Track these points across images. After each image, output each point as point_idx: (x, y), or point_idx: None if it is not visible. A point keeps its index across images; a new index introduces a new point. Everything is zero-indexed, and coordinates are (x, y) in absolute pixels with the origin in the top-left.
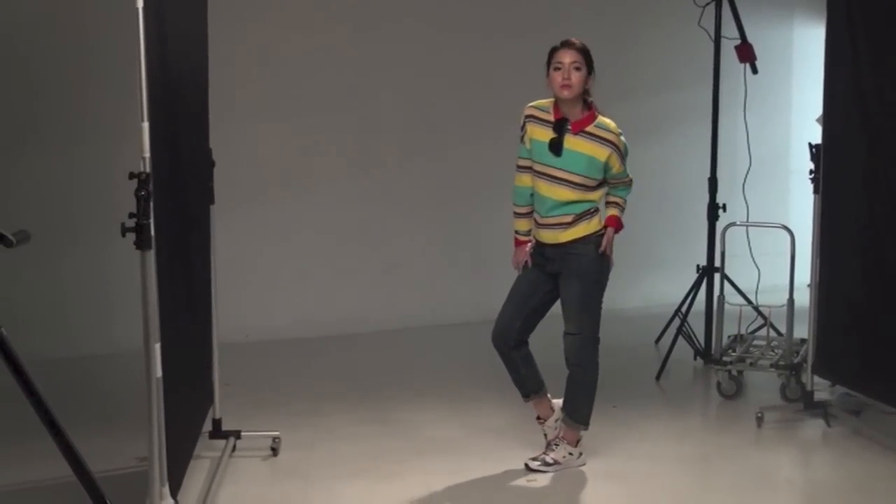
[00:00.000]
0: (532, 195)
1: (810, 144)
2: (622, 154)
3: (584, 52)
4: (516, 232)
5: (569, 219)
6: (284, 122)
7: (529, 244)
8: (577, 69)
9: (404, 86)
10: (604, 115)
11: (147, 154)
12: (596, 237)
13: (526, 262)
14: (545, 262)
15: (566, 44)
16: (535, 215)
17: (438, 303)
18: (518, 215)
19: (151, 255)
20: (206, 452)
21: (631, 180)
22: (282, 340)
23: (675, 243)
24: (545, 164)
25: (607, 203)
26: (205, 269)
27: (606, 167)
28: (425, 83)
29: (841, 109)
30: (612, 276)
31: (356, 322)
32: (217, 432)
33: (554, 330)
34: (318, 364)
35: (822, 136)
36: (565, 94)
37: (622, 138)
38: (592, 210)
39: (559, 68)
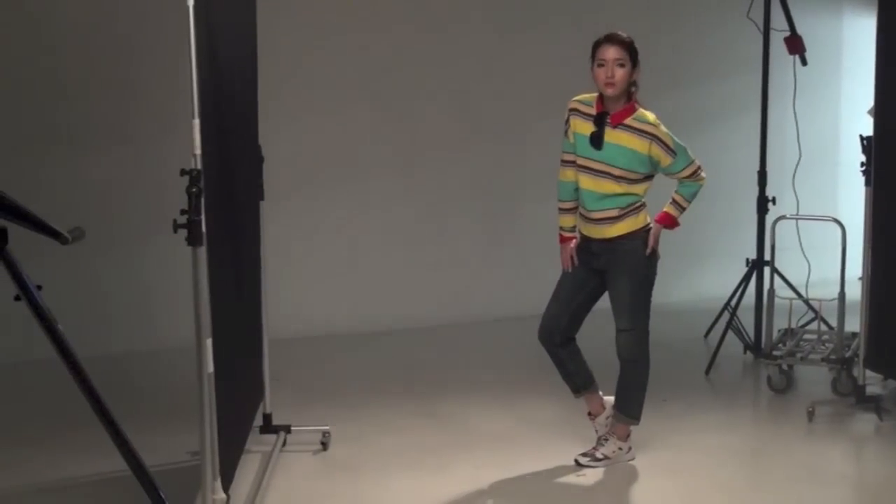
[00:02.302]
0: (576, 190)
1: (861, 137)
2: (667, 146)
3: (629, 47)
4: (561, 228)
5: (615, 213)
6: (332, 118)
7: (574, 241)
8: (622, 66)
9: (451, 81)
10: (644, 108)
11: (198, 151)
12: (643, 233)
13: (572, 258)
14: (591, 258)
15: (610, 39)
16: (581, 209)
17: (487, 297)
18: (563, 211)
19: (203, 252)
20: (257, 447)
21: (696, 173)
22: (331, 335)
23: (725, 236)
24: (587, 158)
25: (670, 199)
26: (255, 265)
27: (652, 161)
28: (471, 79)
29: (893, 101)
30: (660, 269)
31: (404, 317)
32: (268, 427)
33: (604, 325)
34: (367, 359)
35: (874, 129)
36: (609, 91)
37: (663, 128)
38: (639, 204)
39: (602, 65)
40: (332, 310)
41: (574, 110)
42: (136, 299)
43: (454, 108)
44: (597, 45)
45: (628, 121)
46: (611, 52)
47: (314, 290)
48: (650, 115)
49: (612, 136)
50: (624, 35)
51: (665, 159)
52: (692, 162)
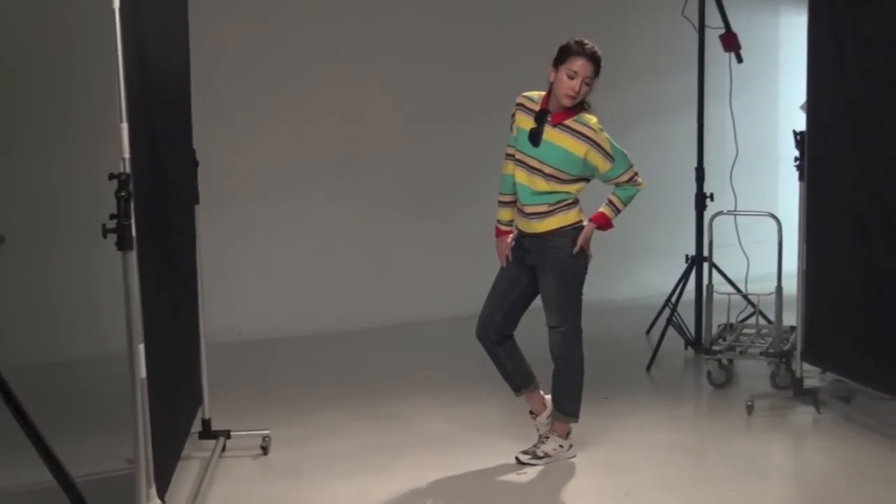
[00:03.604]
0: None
1: (795, 132)
2: (606, 151)
3: (599, 65)
4: (498, 221)
5: (544, 208)
6: (272, 121)
7: (511, 236)
8: (588, 84)
9: (391, 81)
10: (589, 112)
11: (127, 155)
12: (572, 230)
13: (507, 255)
14: (524, 254)
15: (588, 55)
16: (518, 203)
17: (431, 298)
18: (502, 203)
19: (133, 256)
20: (196, 453)
21: (633, 178)
22: (274, 339)
23: (665, 233)
24: (524, 154)
25: (606, 200)
26: (190, 269)
27: (587, 165)
28: (411, 79)
29: (825, 96)
30: (602, 267)
31: (348, 320)
32: (206, 432)
33: (541, 324)
34: (310, 362)
35: (807, 124)
36: (568, 103)
37: (604, 134)
38: (570, 201)
39: (572, 77)
40: (274, 313)
41: (520, 105)
42: (77, 305)
43: (393, 108)
44: (570, 53)
45: (569, 122)
46: (585, 69)
47: (255, 294)
48: (592, 120)
49: (550, 134)
50: (598, 51)
51: (603, 165)
52: (630, 167)
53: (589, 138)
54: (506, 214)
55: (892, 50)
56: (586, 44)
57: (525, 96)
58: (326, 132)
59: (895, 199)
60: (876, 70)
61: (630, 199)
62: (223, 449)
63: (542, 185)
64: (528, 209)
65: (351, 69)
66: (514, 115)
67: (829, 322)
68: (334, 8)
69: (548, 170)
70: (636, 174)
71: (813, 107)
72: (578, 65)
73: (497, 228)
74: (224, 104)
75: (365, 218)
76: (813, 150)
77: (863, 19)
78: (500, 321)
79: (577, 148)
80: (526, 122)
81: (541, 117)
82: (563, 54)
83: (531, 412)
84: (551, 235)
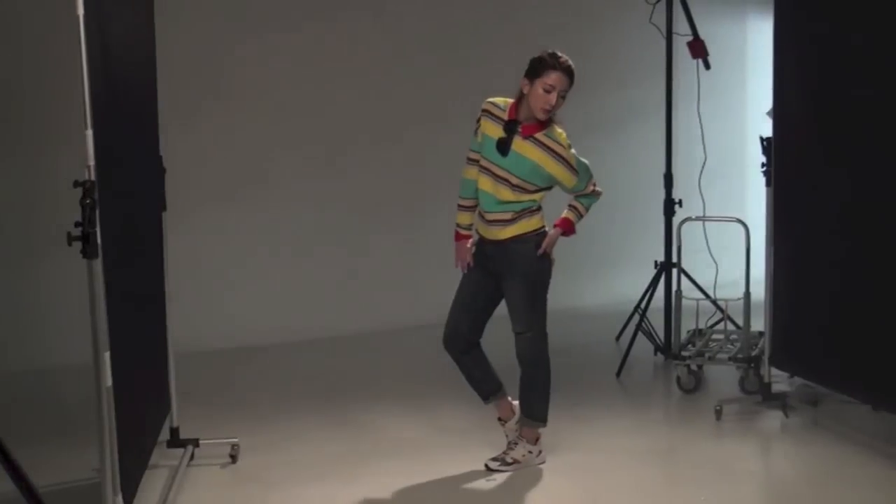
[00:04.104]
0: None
1: (762, 138)
2: (574, 169)
3: (573, 78)
4: (457, 225)
5: (508, 216)
6: (239, 128)
7: (470, 241)
8: (563, 98)
9: (362, 86)
10: (557, 125)
11: (92, 162)
12: (535, 236)
13: (469, 261)
14: (487, 261)
15: (566, 69)
16: (480, 209)
17: (402, 305)
18: (462, 208)
19: (98, 264)
20: (165, 461)
21: (594, 191)
22: (244, 347)
23: (634, 240)
24: (490, 162)
25: (568, 206)
26: (157, 277)
27: (553, 179)
28: (383, 84)
29: (790, 102)
30: (572, 273)
31: (319, 327)
32: (175, 441)
33: (506, 330)
34: (281, 370)
35: (773, 130)
36: (542, 116)
37: (572, 151)
38: (534, 208)
39: (549, 91)
40: (243, 321)
41: (487, 112)
42: (38, 314)
43: (360, 115)
44: (547, 67)
45: (539, 135)
46: (562, 83)
47: (224, 302)
48: (563, 136)
49: (519, 145)
50: (573, 64)
51: (570, 181)
52: (591, 178)
53: (559, 155)
54: (465, 218)
55: (857, 55)
56: (561, 57)
57: (491, 103)
58: (293, 139)
59: (861, 204)
60: (840, 75)
61: (591, 205)
62: (191, 457)
63: (507, 194)
64: (491, 216)
65: (320, 74)
66: (479, 121)
67: (797, 327)
68: (302, 11)
69: (515, 180)
70: (595, 184)
71: (779, 112)
72: (555, 78)
73: (456, 232)
74: (191, 110)
75: (333, 226)
76: (779, 155)
77: (827, 25)
78: (467, 330)
79: (546, 162)
80: (493, 130)
81: (511, 128)
82: (539, 68)
83: (500, 418)
84: (515, 242)
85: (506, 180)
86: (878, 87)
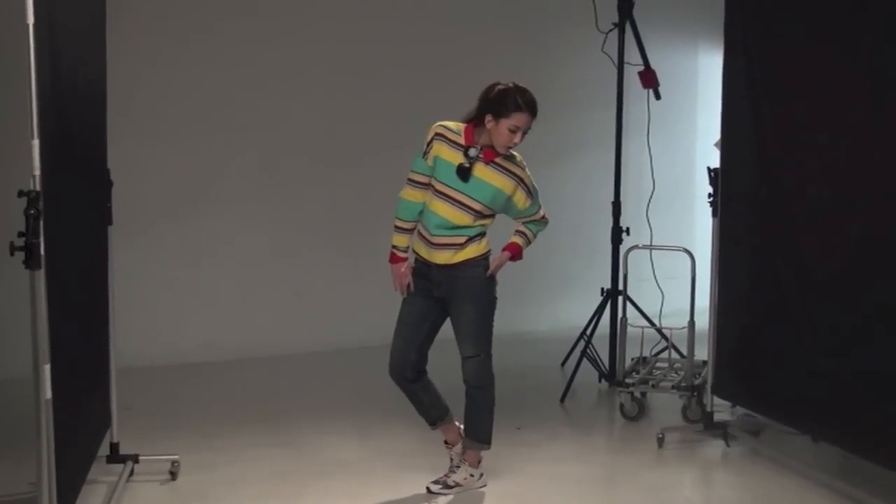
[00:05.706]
0: (421, 212)
1: (709, 168)
2: (529, 190)
3: (536, 115)
4: (394, 247)
5: (462, 240)
6: (188, 142)
7: (406, 264)
8: (525, 134)
9: (311, 104)
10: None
11: (37, 172)
12: (483, 259)
13: (409, 284)
14: (432, 286)
15: (532, 109)
16: (423, 232)
17: (347, 326)
18: (400, 230)
19: (41, 275)
20: (104, 477)
21: (543, 217)
22: (188, 364)
23: (582, 267)
24: (449, 187)
25: (516, 231)
26: (101, 291)
27: (510, 202)
28: (331, 102)
29: (738, 133)
30: (519, 299)
31: (263, 346)
32: (115, 456)
33: (449, 353)
34: (224, 388)
35: (720, 161)
36: (504, 152)
37: (528, 171)
38: (483, 233)
39: (514, 131)
40: (187, 338)
41: (441, 136)
42: None
43: (309, 135)
44: (514, 109)
45: (499, 159)
46: (527, 123)
47: (168, 318)
48: (518, 156)
49: (481, 171)
50: (536, 100)
51: (525, 203)
52: (540, 206)
53: (517, 176)
54: (404, 241)
55: (803, 88)
56: (526, 93)
57: (444, 126)
58: (242, 155)
59: (803, 236)
60: (786, 108)
61: (539, 232)
62: (131, 473)
63: (466, 219)
64: (441, 240)
65: (273, 93)
66: (430, 143)
67: (739, 356)
68: (252, 29)
69: (477, 206)
70: (544, 212)
71: (726, 144)
72: (521, 120)
73: (392, 254)
74: (140, 124)
75: (278, 244)
76: (726, 186)
77: (774, 58)
78: (414, 358)
79: (507, 186)
80: (450, 155)
81: (471, 154)
82: (505, 109)
83: (446, 442)
84: (465, 266)
85: (467, 207)
86: (821, 122)
